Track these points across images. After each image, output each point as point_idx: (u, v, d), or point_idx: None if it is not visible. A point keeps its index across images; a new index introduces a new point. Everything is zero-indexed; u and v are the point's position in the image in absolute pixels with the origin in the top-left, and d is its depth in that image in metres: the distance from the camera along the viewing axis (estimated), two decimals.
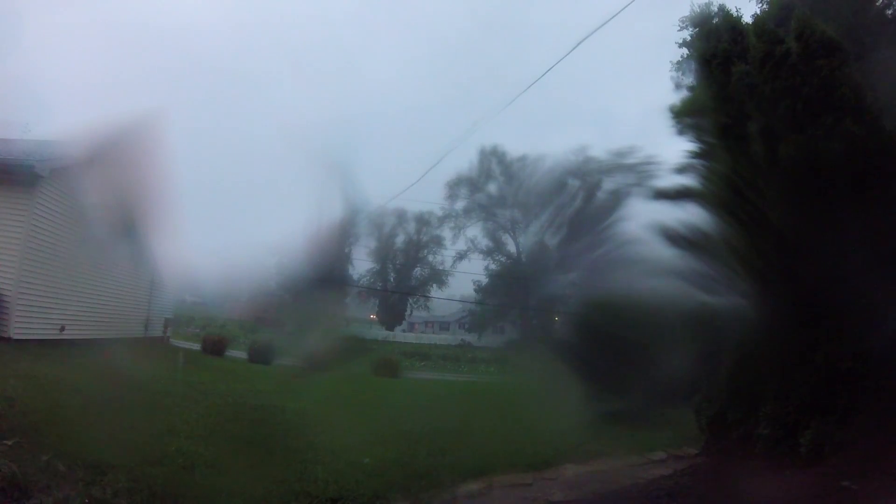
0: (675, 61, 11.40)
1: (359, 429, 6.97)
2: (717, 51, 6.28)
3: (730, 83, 5.98)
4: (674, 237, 7.38)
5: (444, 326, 36.06)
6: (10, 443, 4.21)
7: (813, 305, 5.35)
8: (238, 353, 16.59)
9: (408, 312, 33.62)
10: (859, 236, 4.96)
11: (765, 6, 8.00)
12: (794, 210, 5.46)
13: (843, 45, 5.55)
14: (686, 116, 7.19)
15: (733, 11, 6.88)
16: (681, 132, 7.31)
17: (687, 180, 7.43)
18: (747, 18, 7.70)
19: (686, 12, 10.91)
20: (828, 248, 5.07)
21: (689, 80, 10.79)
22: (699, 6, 9.01)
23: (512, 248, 30.23)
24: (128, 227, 11.39)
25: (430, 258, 32.78)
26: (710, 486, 5.62)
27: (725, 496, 5.25)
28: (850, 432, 4.90)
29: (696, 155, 7.13)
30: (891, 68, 6.24)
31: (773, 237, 5.71)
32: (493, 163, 28.66)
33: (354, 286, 29.34)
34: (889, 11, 6.98)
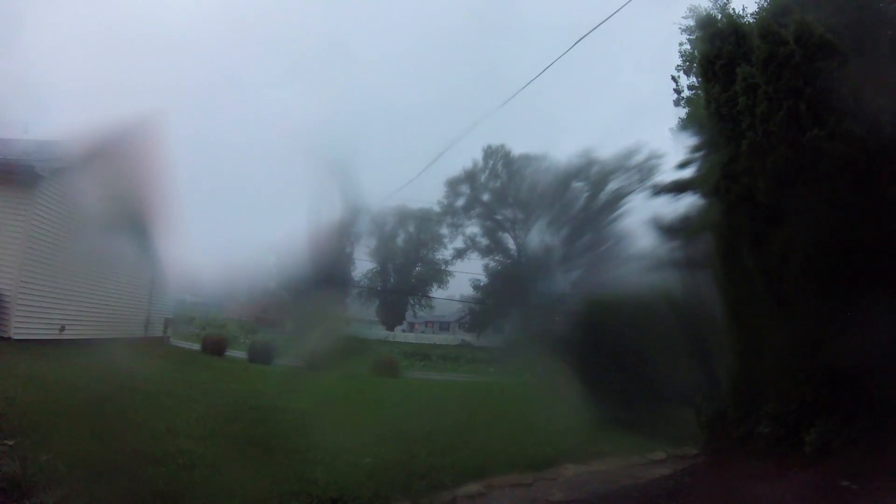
0: (681, 49, 11.44)
1: (359, 429, 6.96)
2: (721, 52, 6.33)
3: (733, 83, 6.02)
4: (674, 231, 7.41)
5: (444, 326, 36.02)
6: (10, 443, 4.21)
7: (814, 304, 5.35)
8: (238, 353, 16.59)
9: (410, 313, 33.56)
10: (862, 236, 4.97)
11: (764, 3, 8.05)
12: (793, 210, 5.47)
13: (842, 46, 5.58)
14: (691, 114, 7.23)
15: (737, 11, 6.96)
16: (684, 127, 7.34)
17: (689, 177, 7.48)
18: (749, 16, 7.76)
19: (686, 7, 10.98)
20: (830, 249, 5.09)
21: (691, 80, 10.82)
22: (704, 9, 9.07)
23: (512, 246, 30.19)
24: (128, 226, 11.38)
25: (431, 256, 32.69)
26: (710, 486, 5.62)
27: (725, 496, 5.24)
28: (854, 431, 4.90)
29: (698, 149, 7.17)
30: (890, 68, 6.24)
31: (773, 234, 5.72)
32: (499, 163, 28.59)
33: (355, 286, 29.31)
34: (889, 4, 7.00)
